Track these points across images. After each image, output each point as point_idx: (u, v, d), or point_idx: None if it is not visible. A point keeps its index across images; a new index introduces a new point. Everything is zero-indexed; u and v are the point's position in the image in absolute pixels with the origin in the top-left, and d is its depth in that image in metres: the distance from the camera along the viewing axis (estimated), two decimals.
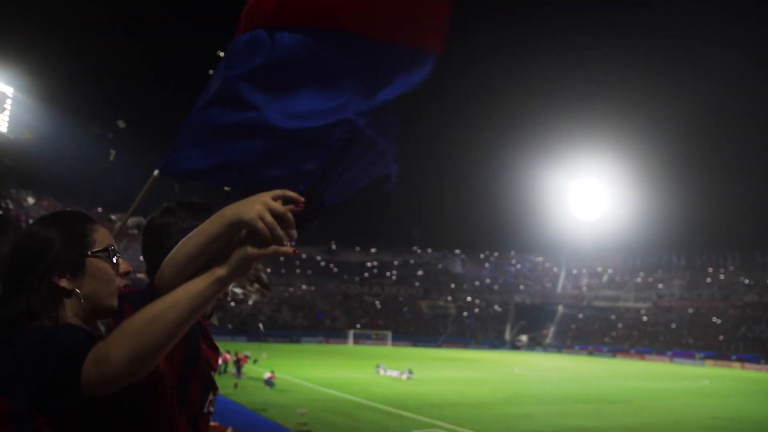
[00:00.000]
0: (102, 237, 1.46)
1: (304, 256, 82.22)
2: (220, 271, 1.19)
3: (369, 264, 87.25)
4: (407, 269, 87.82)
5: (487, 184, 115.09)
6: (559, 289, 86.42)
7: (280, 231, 1.17)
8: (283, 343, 58.64)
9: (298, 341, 62.43)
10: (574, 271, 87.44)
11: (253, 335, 55.49)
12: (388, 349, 57.82)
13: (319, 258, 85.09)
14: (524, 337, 74.66)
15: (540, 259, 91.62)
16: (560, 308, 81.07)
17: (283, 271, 78.60)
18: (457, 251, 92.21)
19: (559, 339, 74.42)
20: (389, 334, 68.34)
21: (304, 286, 78.51)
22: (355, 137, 1.46)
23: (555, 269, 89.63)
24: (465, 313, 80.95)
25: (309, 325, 70.30)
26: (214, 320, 1.81)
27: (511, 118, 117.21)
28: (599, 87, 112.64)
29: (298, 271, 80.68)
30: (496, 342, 74.13)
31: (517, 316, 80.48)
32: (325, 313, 74.72)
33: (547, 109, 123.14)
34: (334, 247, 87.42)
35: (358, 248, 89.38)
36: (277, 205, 1.18)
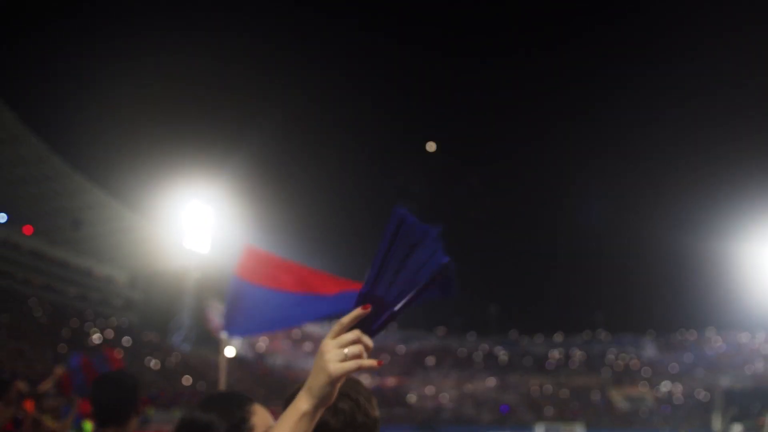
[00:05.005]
0: (260, 420, 1.48)
1: (486, 346, 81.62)
2: (303, 405, 1.05)
3: (552, 353, 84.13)
4: (594, 356, 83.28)
5: (675, 256, 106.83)
6: None
7: (357, 348, 1.06)
8: None
9: None
10: None
11: None
12: None
13: (500, 349, 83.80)
14: (738, 427, 66.58)
15: (746, 335, 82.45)
16: None
17: (464, 364, 78.45)
18: (650, 332, 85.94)
19: None
20: (580, 427, 64.61)
21: (486, 379, 77.45)
22: (401, 226, 1.25)
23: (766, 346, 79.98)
24: (664, 402, 74.39)
25: (494, 419, 68.73)
26: None
27: (699, 182, 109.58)
28: None
29: (479, 364, 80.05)
30: None
31: (726, 403, 72.21)
32: (510, 406, 72.75)
33: (739, 169, 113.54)
34: (514, 337, 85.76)
35: (540, 336, 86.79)
36: (344, 338, 1.07)
